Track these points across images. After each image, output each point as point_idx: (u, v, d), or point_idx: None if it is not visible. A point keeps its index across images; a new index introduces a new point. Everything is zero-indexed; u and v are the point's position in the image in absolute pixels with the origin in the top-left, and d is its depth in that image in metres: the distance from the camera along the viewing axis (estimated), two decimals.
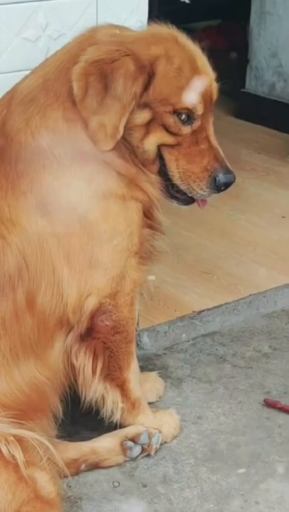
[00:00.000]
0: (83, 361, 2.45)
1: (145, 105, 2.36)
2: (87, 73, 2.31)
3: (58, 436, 2.51)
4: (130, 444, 2.57)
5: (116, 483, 2.52)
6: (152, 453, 2.61)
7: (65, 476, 2.40)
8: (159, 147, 2.43)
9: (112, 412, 2.55)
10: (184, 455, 2.64)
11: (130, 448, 2.57)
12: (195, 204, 2.56)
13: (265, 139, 5.05)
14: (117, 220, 2.38)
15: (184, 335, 3.21)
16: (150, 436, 2.59)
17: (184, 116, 2.40)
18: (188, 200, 2.54)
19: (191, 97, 2.38)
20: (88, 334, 2.43)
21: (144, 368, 2.89)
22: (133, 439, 2.57)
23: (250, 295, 3.40)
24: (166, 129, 2.40)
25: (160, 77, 2.35)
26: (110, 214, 2.37)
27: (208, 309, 3.29)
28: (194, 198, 2.52)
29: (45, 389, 2.41)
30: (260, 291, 3.42)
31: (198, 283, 3.48)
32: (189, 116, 2.40)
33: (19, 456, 2.15)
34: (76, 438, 2.61)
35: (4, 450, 2.15)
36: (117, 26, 2.49)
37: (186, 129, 2.41)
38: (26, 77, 2.43)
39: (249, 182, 4.41)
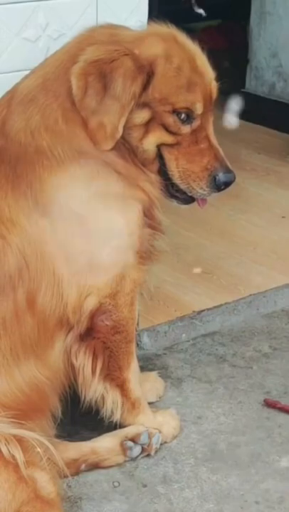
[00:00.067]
0: (83, 361, 2.45)
1: (144, 105, 2.36)
2: (86, 73, 2.31)
3: (58, 436, 2.51)
4: (130, 444, 2.57)
5: (116, 483, 2.52)
6: (152, 453, 2.61)
7: (65, 476, 2.40)
8: (159, 147, 2.43)
9: (112, 411, 2.55)
10: (184, 455, 2.64)
11: (130, 448, 2.57)
12: (195, 204, 2.56)
13: (265, 139, 5.05)
14: (117, 219, 2.38)
15: (184, 335, 3.21)
16: (150, 436, 2.59)
17: (183, 116, 2.40)
18: (188, 200, 2.54)
19: (191, 96, 2.38)
20: (88, 334, 2.43)
21: (144, 368, 2.89)
22: (133, 439, 2.57)
23: (250, 295, 3.40)
24: (166, 129, 2.40)
25: (159, 76, 2.35)
26: (110, 214, 2.37)
27: (208, 309, 3.29)
28: (194, 198, 2.52)
29: (45, 389, 2.41)
30: (260, 291, 3.42)
31: (198, 283, 3.48)
32: (189, 115, 2.40)
33: (19, 456, 2.15)
34: (76, 438, 2.61)
35: (4, 450, 2.15)
36: (116, 26, 2.49)
37: (186, 129, 2.41)
38: (26, 77, 2.43)
39: (249, 182, 4.41)
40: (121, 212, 2.39)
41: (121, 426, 2.60)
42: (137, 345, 2.94)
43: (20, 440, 2.18)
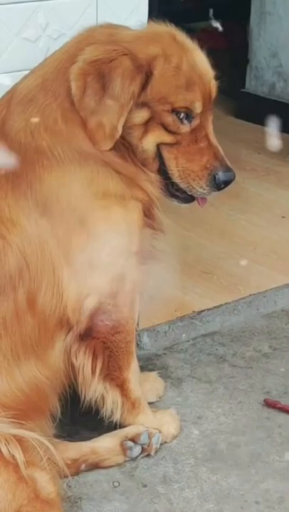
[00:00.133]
0: (83, 361, 2.45)
1: (143, 104, 2.36)
2: (85, 73, 2.31)
3: (58, 436, 2.51)
4: (130, 444, 2.57)
5: (116, 483, 2.52)
6: (152, 453, 2.61)
7: (65, 476, 2.40)
8: (158, 146, 2.43)
9: (112, 411, 2.55)
10: (184, 455, 2.64)
11: (130, 448, 2.57)
12: (195, 204, 2.56)
13: (265, 139, 5.05)
14: (117, 219, 2.38)
15: (184, 335, 3.21)
16: (150, 436, 2.59)
17: (182, 115, 2.40)
18: (188, 199, 2.54)
19: (190, 95, 2.38)
20: (88, 334, 2.43)
21: (144, 368, 2.89)
22: (133, 439, 2.57)
23: (250, 295, 3.40)
24: (165, 128, 2.40)
25: (158, 76, 2.35)
26: (110, 214, 2.37)
27: (208, 309, 3.29)
28: (194, 197, 2.52)
29: (45, 389, 2.41)
30: (260, 291, 3.42)
31: (198, 283, 3.48)
32: (188, 114, 2.40)
33: (19, 456, 2.15)
34: (76, 438, 2.61)
35: (4, 450, 2.15)
36: (115, 25, 2.49)
37: (185, 128, 2.41)
38: (25, 77, 2.43)
39: (249, 182, 4.41)
40: (121, 212, 2.39)
41: (121, 426, 2.60)
42: (137, 345, 2.94)
43: (20, 440, 2.18)
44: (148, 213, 2.49)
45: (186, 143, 2.43)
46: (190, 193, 2.50)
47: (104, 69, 2.30)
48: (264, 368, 3.05)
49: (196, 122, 2.42)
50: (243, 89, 5.39)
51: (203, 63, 2.43)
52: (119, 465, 2.58)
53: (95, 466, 2.55)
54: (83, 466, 2.54)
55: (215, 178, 2.44)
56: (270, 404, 2.85)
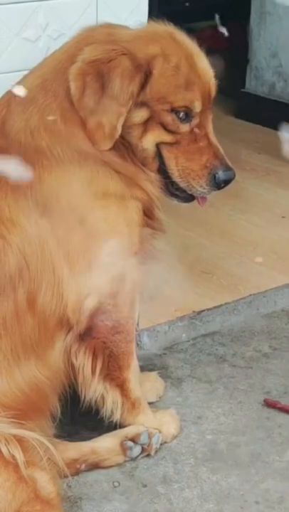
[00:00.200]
0: (83, 361, 2.45)
1: (143, 104, 2.36)
2: (84, 73, 2.31)
3: (58, 436, 2.51)
4: (130, 444, 2.57)
5: (116, 483, 2.52)
6: (152, 453, 2.61)
7: (65, 476, 2.40)
8: (158, 145, 2.43)
9: (112, 411, 2.55)
10: (184, 455, 2.64)
11: (130, 448, 2.57)
12: (195, 204, 2.56)
13: (265, 139, 5.05)
14: (117, 219, 2.38)
15: (184, 335, 3.20)
16: (150, 436, 2.59)
17: (182, 114, 2.40)
18: (188, 198, 2.54)
19: (189, 94, 2.38)
20: (88, 334, 2.43)
21: (144, 368, 2.89)
22: (133, 439, 2.57)
23: (250, 295, 3.40)
24: (165, 127, 2.40)
25: (157, 75, 2.35)
26: (110, 214, 2.37)
27: (208, 309, 3.29)
28: (194, 196, 2.52)
29: (45, 389, 2.41)
30: (260, 291, 3.42)
31: (198, 283, 3.48)
32: (187, 114, 2.40)
33: (19, 456, 2.15)
34: (76, 438, 2.61)
35: (4, 450, 2.15)
36: (114, 25, 2.49)
37: (185, 127, 2.41)
38: (25, 77, 2.43)
39: (249, 182, 4.41)
40: (121, 211, 2.39)
41: (121, 426, 2.60)
42: (137, 345, 2.93)
43: (20, 440, 2.18)
44: (148, 213, 2.49)
45: (185, 142, 2.43)
46: (190, 192, 2.50)
47: (103, 69, 2.30)
48: (264, 367, 3.05)
49: (195, 121, 2.42)
50: (243, 89, 5.39)
51: (203, 62, 2.43)
52: (119, 465, 2.58)
53: (95, 466, 2.55)
54: (83, 466, 2.54)
55: (215, 177, 2.44)
56: (270, 404, 2.85)
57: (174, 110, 2.38)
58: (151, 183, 2.46)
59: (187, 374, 3.01)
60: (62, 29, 2.64)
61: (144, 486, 2.52)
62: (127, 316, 2.48)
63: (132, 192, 2.41)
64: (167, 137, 2.41)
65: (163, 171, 2.48)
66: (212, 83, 2.45)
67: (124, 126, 2.34)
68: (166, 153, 2.44)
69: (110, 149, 2.36)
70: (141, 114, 2.37)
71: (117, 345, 2.48)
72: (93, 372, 2.47)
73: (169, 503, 2.45)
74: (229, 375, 3.01)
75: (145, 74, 2.33)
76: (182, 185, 2.48)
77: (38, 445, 2.22)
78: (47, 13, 2.62)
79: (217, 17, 4.92)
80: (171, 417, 2.71)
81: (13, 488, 2.12)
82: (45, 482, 2.19)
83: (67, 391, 2.51)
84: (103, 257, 2.38)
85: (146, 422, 2.62)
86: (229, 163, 2.46)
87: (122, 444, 2.57)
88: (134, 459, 2.59)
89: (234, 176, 2.47)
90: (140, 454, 2.59)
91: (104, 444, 2.57)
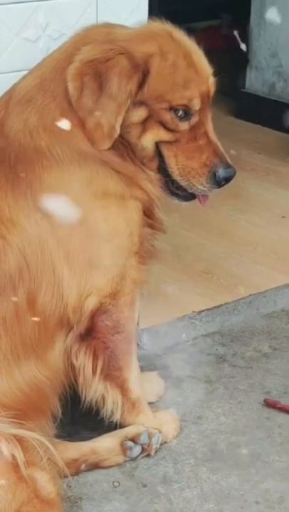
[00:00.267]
0: (83, 361, 2.45)
1: (141, 103, 2.36)
2: (81, 73, 2.31)
3: (58, 436, 2.51)
4: (130, 444, 2.57)
5: (116, 483, 2.52)
6: (152, 453, 2.61)
7: (65, 476, 2.40)
8: (158, 144, 2.43)
9: (112, 411, 2.55)
10: (184, 455, 2.64)
11: (130, 448, 2.57)
12: (195, 203, 2.56)
13: (265, 139, 5.05)
14: (117, 219, 2.38)
15: (184, 335, 3.20)
16: (150, 436, 2.59)
17: (180, 113, 2.39)
18: (189, 196, 2.54)
19: (187, 92, 2.38)
20: (88, 334, 2.43)
21: (144, 368, 2.89)
22: (133, 439, 2.57)
23: (250, 295, 3.40)
24: (164, 126, 2.40)
25: (155, 74, 2.35)
26: (110, 213, 2.37)
27: (208, 309, 3.29)
28: (195, 194, 2.52)
29: (45, 389, 2.41)
30: (260, 291, 3.42)
31: (198, 283, 3.48)
32: (186, 112, 2.40)
33: (19, 456, 2.15)
34: (76, 438, 2.61)
35: (4, 450, 2.15)
36: (112, 24, 2.49)
37: (184, 125, 2.41)
38: (24, 77, 2.43)
39: (249, 182, 4.41)
40: (121, 211, 2.39)
41: (121, 426, 2.60)
42: (137, 345, 2.93)
43: (20, 440, 2.18)
44: (148, 213, 2.49)
45: (185, 140, 2.43)
46: (190, 191, 2.50)
47: (101, 68, 2.30)
48: (264, 367, 3.05)
49: (194, 119, 2.42)
50: (243, 89, 5.39)
51: (201, 60, 2.43)
52: (119, 465, 2.58)
53: (95, 466, 2.55)
54: (83, 466, 2.54)
55: (215, 175, 2.44)
56: (270, 404, 2.85)
57: (172, 108, 2.38)
58: (151, 183, 2.46)
59: (187, 374, 3.01)
60: (63, 29, 2.64)
61: (144, 486, 2.52)
62: (128, 315, 2.48)
63: (131, 192, 2.41)
64: (166, 136, 2.41)
65: (163, 169, 2.47)
66: (211, 81, 2.45)
67: (123, 126, 2.34)
68: (166, 152, 2.44)
69: (109, 149, 2.36)
70: (139, 113, 2.37)
71: (118, 345, 2.48)
72: (94, 372, 2.47)
73: (169, 503, 2.45)
74: (229, 375, 3.01)
75: (143, 73, 2.33)
76: (182, 183, 2.48)
77: (38, 445, 2.22)
78: (47, 13, 2.62)
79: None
80: (171, 417, 2.71)
81: (13, 488, 2.12)
82: (45, 482, 2.19)
83: (67, 391, 2.51)
84: (103, 256, 2.38)
85: (146, 422, 2.62)
86: (229, 161, 2.46)
87: (122, 444, 2.57)
88: (134, 459, 2.59)
89: (234, 173, 2.46)
90: (140, 454, 2.59)
91: (105, 444, 2.57)
